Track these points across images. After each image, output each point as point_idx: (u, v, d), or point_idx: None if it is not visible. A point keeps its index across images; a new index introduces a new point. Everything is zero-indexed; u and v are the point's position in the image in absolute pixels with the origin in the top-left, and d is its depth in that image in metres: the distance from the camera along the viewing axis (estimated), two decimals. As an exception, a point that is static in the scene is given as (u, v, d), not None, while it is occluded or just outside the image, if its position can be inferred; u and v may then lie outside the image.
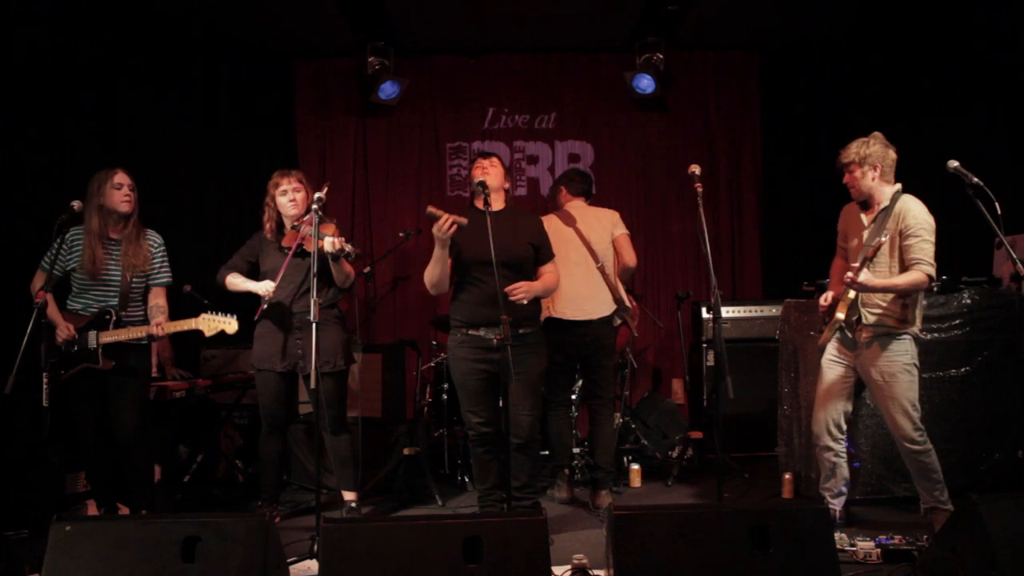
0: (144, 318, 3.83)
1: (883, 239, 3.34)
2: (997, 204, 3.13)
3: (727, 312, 5.31)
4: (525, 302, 3.44)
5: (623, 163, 6.44)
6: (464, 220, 3.39)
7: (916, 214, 3.41)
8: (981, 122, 4.82)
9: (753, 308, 5.44)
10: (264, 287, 3.77)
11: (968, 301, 4.11)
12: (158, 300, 3.86)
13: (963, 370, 4.09)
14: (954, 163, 3.24)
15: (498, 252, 3.26)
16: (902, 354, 3.46)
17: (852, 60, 5.86)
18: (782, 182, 6.36)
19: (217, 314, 3.72)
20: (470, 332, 3.55)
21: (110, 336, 3.66)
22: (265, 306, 3.78)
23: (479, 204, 3.58)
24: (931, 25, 5.15)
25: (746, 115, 6.46)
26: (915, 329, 3.50)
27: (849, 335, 3.57)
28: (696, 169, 3.40)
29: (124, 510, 3.88)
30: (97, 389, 3.72)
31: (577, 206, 4.39)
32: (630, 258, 4.32)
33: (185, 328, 3.71)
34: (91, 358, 3.65)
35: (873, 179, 3.49)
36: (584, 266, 4.20)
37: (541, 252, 3.67)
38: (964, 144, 4.44)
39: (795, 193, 6.21)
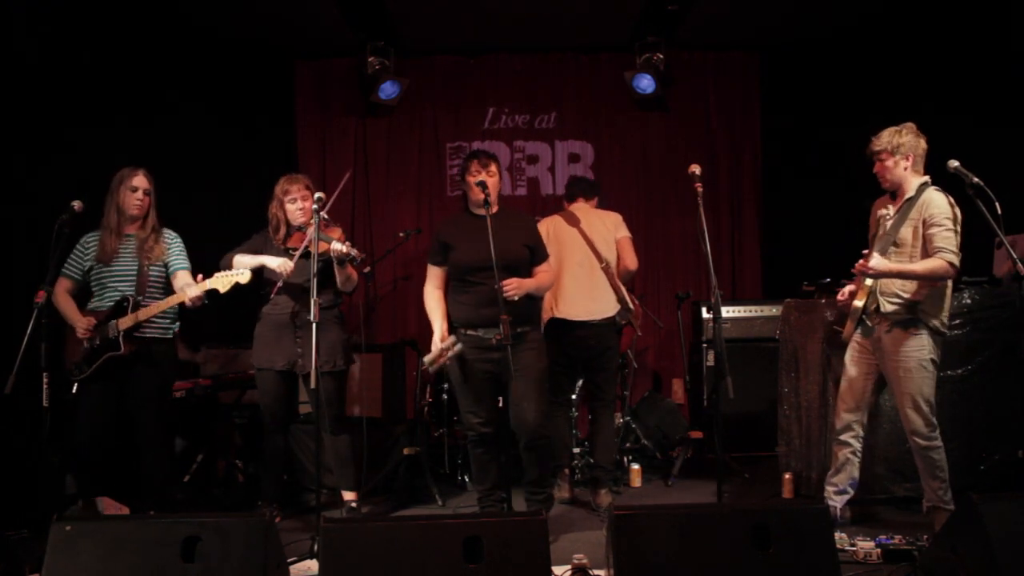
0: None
1: (890, 212, 3.32)
2: (997, 204, 3.13)
3: (727, 312, 5.30)
4: (516, 298, 3.42)
5: (623, 163, 6.44)
6: (458, 348, 3.50)
7: (940, 204, 3.39)
8: (981, 122, 4.82)
9: (753, 308, 5.44)
10: (279, 263, 3.76)
11: (968, 301, 4.10)
12: (182, 281, 3.81)
13: (963, 370, 4.09)
14: (954, 163, 3.24)
15: (497, 255, 3.31)
16: (919, 349, 3.44)
17: (852, 60, 5.86)
18: (782, 182, 6.36)
19: (228, 271, 3.71)
20: (468, 332, 3.56)
21: (129, 320, 3.65)
22: (281, 284, 3.79)
23: (475, 209, 3.62)
24: (931, 25, 5.15)
25: (746, 115, 6.46)
26: (936, 322, 3.46)
27: (869, 324, 3.55)
28: (696, 169, 3.41)
29: (112, 506, 3.87)
30: (116, 386, 3.71)
31: (579, 208, 4.42)
32: (631, 261, 4.37)
33: (198, 291, 3.66)
34: (113, 346, 3.63)
35: (905, 168, 3.47)
36: (587, 267, 4.20)
37: (536, 253, 3.69)
38: (964, 144, 4.44)
39: (795, 193, 6.21)
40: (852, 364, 3.66)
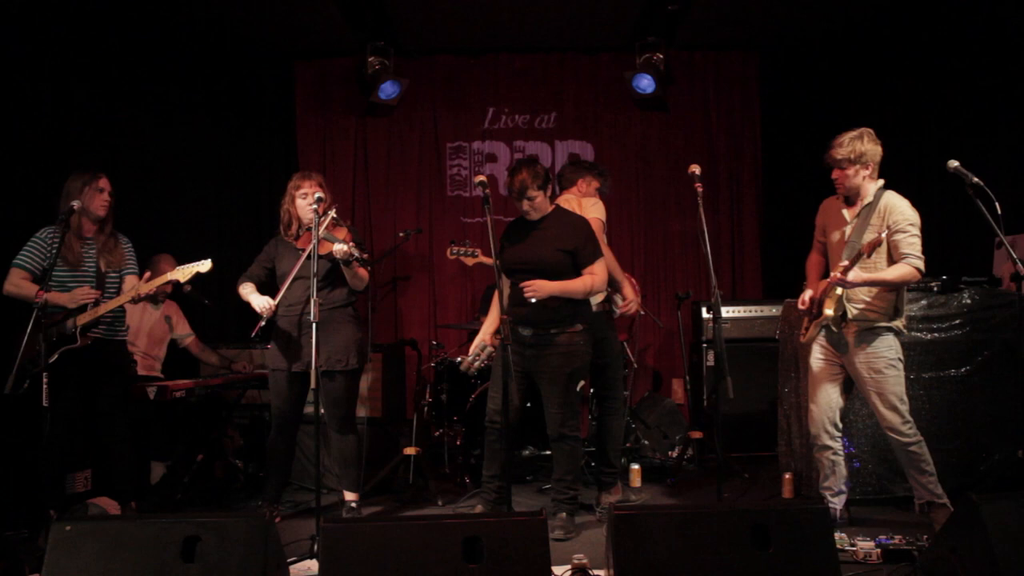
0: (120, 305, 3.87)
1: (882, 235, 3.34)
2: (997, 204, 3.14)
3: (727, 312, 5.31)
4: (533, 300, 3.54)
5: (623, 163, 6.44)
6: (487, 352, 3.87)
7: (902, 210, 3.44)
8: (981, 122, 4.82)
9: (753, 308, 5.44)
10: (261, 304, 3.79)
11: (968, 301, 4.11)
12: (130, 284, 3.93)
13: (963, 370, 4.09)
14: (954, 163, 3.25)
15: (527, 258, 3.59)
16: (887, 349, 3.49)
17: (852, 60, 5.86)
18: (782, 182, 6.36)
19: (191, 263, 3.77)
20: (513, 327, 3.69)
21: (88, 316, 3.70)
22: (263, 323, 3.80)
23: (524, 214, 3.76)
24: (931, 25, 5.15)
25: (746, 115, 6.46)
26: (898, 324, 3.53)
27: (835, 330, 3.58)
28: (696, 169, 3.41)
29: (112, 506, 3.88)
30: (78, 393, 3.74)
31: (565, 200, 4.27)
32: None
33: (162, 282, 3.75)
34: (70, 340, 3.67)
35: (864, 177, 3.50)
36: None
37: (579, 256, 3.71)
38: (964, 144, 4.45)
39: (795, 193, 6.21)
40: (819, 368, 3.69)
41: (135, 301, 3.82)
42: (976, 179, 3.17)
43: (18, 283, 3.72)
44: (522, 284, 3.57)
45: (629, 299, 4.15)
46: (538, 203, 3.71)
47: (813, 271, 3.84)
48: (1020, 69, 4.46)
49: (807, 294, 3.71)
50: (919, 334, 4.07)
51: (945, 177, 3.27)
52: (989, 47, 4.73)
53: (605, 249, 4.07)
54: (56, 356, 3.65)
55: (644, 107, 6.36)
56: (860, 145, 3.45)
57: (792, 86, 6.21)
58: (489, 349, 3.87)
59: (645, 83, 6.02)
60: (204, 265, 3.73)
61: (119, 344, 3.91)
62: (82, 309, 3.71)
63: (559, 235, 3.72)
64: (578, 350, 3.72)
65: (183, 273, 3.72)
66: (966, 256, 4.50)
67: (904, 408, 3.48)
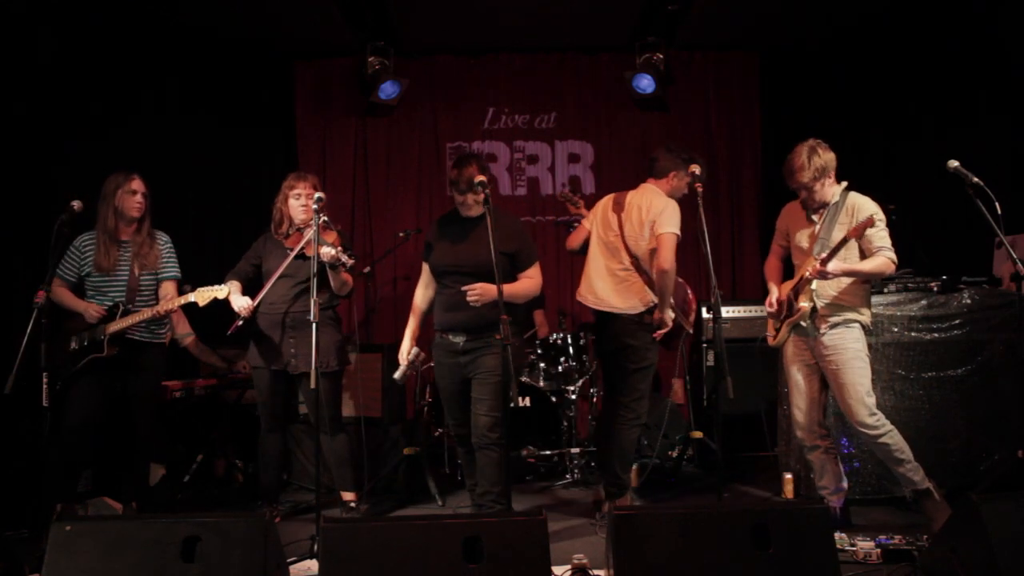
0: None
1: (864, 220, 3.38)
2: (997, 204, 3.14)
3: (727, 312, 5.30)
4: (478, 304, 3.36)
5: (623, 163, 6.44)
6: (420, 358, 3.70)
7: (870, 207, 3.50)
8: (981, 122, 4.82)
9: (753, 308, 5.43)
10: (240, 304, 3.81)
11: (968, 301, 4.11)
12: (166, 291, 3.93)
13: (963, 370, 4.09)
14: (954, 163, 3.25)
15: (466, 259, 3.40)
16: (852, 342, 3.52)
17: (851, 60, 5.86)
18: (782, 182, 6.33)
19: (210, 287, 3.77)
20: (442, 336, 3.58)
21: (116, 325, 3.72)
22: (240, 323, 3.81)
23: (460, 211, 3.59)
24: (931, 25, 5.15)
25: (746, 115, 6.46)
26: (865, 319, 3.56)
27: (804, 325, 3.61)
28: (696, 169, 3.41)
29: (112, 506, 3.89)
30: (103, 388, 3.76)
31: (641, 190, 4.11)
32: (663, 259, 3.78)
33: (182, 302, 3.77)
34: (97, 348, 3.70)
35: (829, 185, 3.56)
36: (617, 256, 3.95)
37: (517, 258, 3.56)
38: (964, 144, 4.44)
39: (795, 193, 6.19)
40: (796, 368, 3.71)
41: (158, 316, 3.82)
42: (976, 179, 3.18)
43: (55, 291, 3.73)
44: (465, 288, 3.37)
45: (656, 318, 3.88)
46: (480, 197, 3.47)
47: (774, 274, 3.90)
48: (1020, 69, 4.46)
49: (773, 296, 3.75)
50: (919, 334, 4.08)
51: (945, 177, 3.27)
52: (989, 47, 4.73)
53: (666, 260, 3.79)
54: (83, 362, 3.69)
55: (644, 107, 6.36)
56: (819, 160, 3.51)
57: (792, 86, 6.20)
58: (423, 356, 3.75)
59: (645, 83, 6.03)
60: (222, 291, 3.74)
61: (153, 347, 3.89)
62: (113, 316, 3.73)
63: (498, 236, 3.41)
64: (515, 351, 3.49)
65: (201, 296, 3.73)
66: (966, 256, 4.49)
67: (870, 401, 3.49)
